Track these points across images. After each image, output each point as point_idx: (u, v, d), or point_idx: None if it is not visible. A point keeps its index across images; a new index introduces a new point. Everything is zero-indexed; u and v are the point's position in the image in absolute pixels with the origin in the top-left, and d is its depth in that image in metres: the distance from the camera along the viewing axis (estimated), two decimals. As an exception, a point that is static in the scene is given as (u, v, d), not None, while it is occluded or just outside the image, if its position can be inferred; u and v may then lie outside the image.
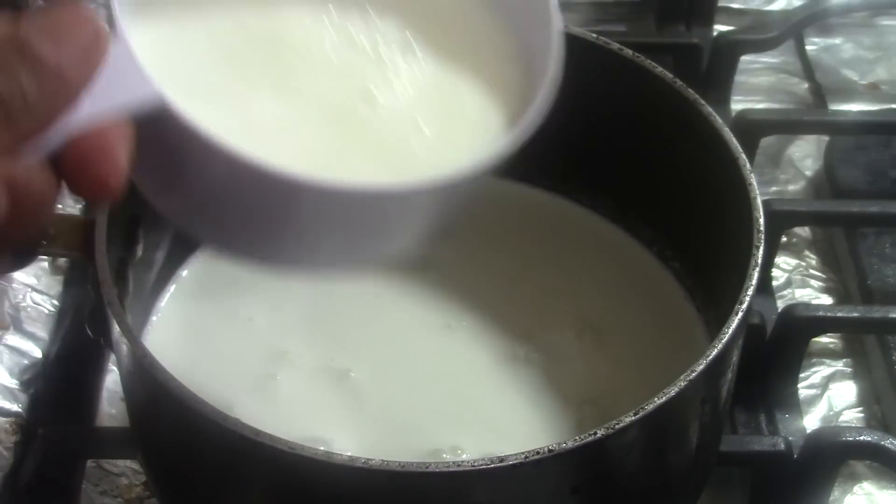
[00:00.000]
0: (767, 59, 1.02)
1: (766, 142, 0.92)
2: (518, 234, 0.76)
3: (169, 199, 0.49)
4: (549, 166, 0.76)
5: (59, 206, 0.84)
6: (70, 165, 0.41)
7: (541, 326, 0.70)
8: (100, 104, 0.41)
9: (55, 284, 0.81)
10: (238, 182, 0.45)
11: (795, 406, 0.77)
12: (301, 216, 0.47)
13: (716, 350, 0.55)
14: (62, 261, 0.81)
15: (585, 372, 0.68)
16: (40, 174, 0.41)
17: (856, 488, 0.74)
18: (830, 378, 0.80)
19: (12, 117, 0.39)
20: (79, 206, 0.85)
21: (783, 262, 0.87)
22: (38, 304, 0.79)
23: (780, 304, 0.83)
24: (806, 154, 0.95)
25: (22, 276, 0.80)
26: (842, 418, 0.78)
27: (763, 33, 0.98)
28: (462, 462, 0.51)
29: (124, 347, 0.57)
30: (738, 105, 0.96)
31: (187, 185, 0.47)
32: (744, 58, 0.97)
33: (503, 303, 0.71)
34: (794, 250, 0.88)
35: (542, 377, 0.68)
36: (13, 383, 0.75)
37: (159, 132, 0.44)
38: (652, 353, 0.69)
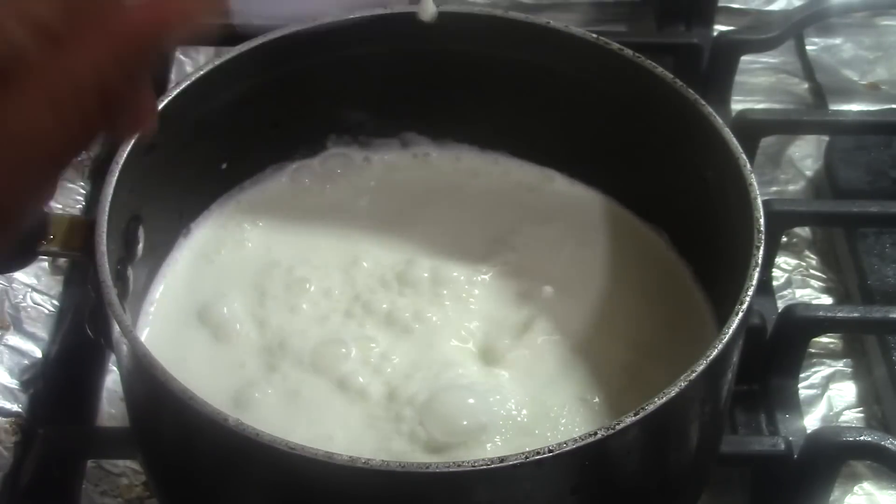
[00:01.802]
0: (767, 59, 1.02)
1: (766, 142, 0.92)
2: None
3: None
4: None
5: (59, 206, 0.84)
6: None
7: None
8: None
9: (55, 284, 0.81)
10: None
11: (795, 406, 0.77)
12: None
13: (716, 350, 0.55)
14: (62, 261, 0.81)
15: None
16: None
17: (856, 488, 0.74)
18: (830, 378, 0.80)
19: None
20: (79, 206, 0.85)
21: (783, 262, 0.87)
22: (38, 304, 0.79)
23: (780, 304, 0.83)
24: (806, 154, 0.95)
25: (22, 276, 0.80)
26: (842, 418, 0.78)
27: (763, 33, 0.98)
28: (462, 462, 0.51)
29: (124, 347, 0.57)
30: (738, 105, 0.96)
31: None
32: (744, 58, 0.97)
33: (514, 288, 0.71)
34: (794, 250, 0.88)
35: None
36: (13, 383, 0.75)
37: None
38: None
